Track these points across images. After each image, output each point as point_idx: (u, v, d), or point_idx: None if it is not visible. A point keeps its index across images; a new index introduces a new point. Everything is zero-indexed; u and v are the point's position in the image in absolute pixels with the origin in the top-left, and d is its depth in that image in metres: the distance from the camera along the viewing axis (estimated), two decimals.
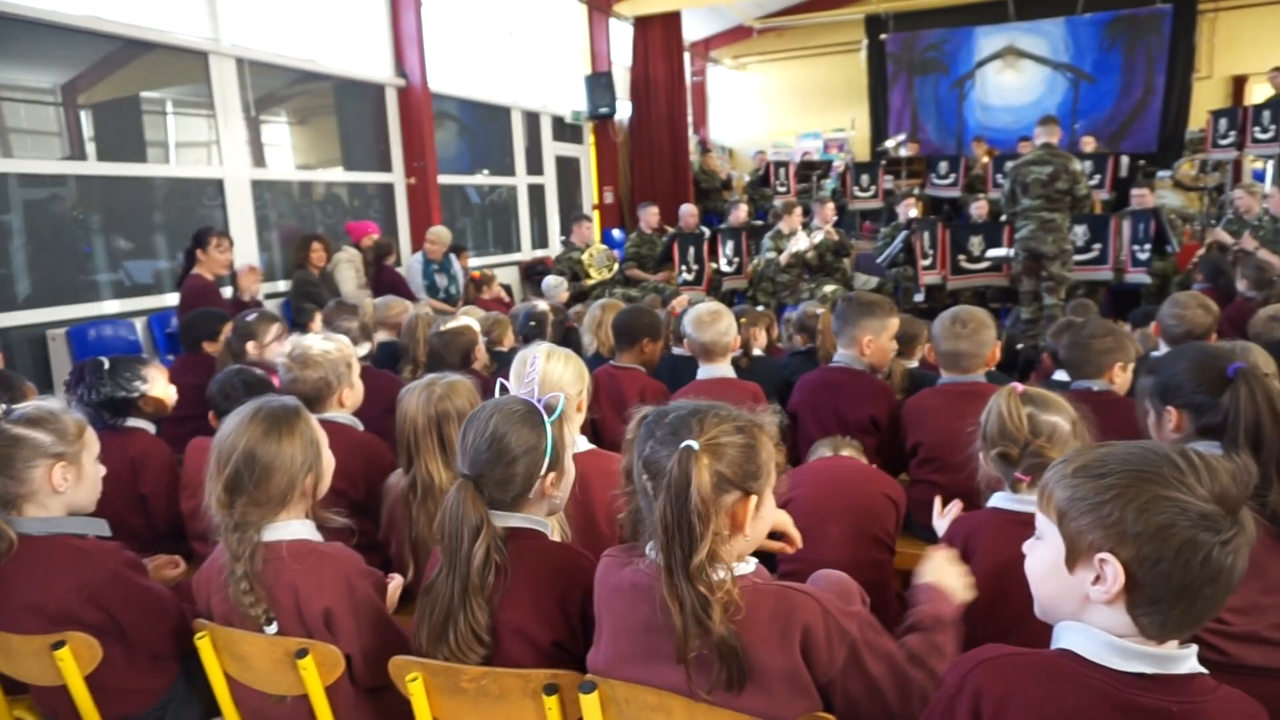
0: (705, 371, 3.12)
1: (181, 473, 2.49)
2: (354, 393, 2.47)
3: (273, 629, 1.64)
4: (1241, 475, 1.02)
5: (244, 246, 6.42)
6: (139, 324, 5.63)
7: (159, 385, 2.67)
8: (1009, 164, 6.84)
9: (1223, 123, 8.61)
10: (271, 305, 6.08)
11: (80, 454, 1.84)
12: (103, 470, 1.93)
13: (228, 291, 5.62)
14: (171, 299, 5.37)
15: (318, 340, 2.40)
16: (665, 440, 1.25)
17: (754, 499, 1.26)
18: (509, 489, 1.54)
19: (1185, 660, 1.04)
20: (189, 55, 6.13)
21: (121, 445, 2.51)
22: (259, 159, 6.89)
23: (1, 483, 1.74)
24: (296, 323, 5.04)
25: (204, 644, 1.71)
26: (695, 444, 1.21)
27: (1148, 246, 6.89)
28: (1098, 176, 8.38)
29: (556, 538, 1.75)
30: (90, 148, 5.70)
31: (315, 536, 1.73)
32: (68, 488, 1.81)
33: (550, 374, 2.09)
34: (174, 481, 2.53)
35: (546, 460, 1.56)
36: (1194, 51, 10.92)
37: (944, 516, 2.02)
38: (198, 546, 2.37)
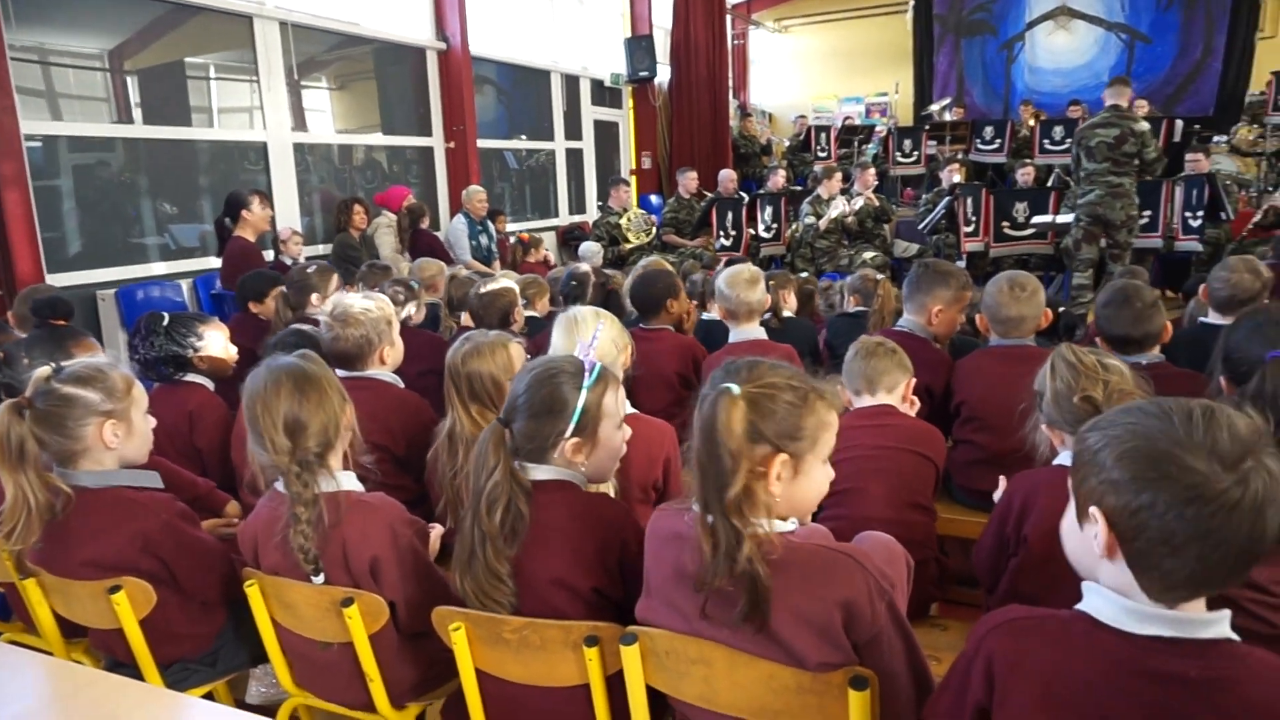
0: (737, 334, 3.12)
1: (236, 426, 2.54)
2: (394, 350, 2.50)
3: (319, 579, 1.67)
4: (1247, 431, 0.96)
5: (286, 210, 6.50)
6: (185, 285, 5.74)
7: (217, 344, 2.72)
8: (1060, 127, 6.65)
9: None
10: None
11: (129, 410, 1.88)
12: (153, 423, 1.98)
13: (269, 254, 5.71)
14: (215, 262, 5.47)
15: (358, 299, 2.43)
16: (714, 383, 1.27)
17: (783, 458, 1.25)
18: (533, 441, 1.57)
19: (1212, 625, 1.00)
20: (234, 19, 6.18)
21: (179, 399, 2.58)
22: (300, 123, 6.94)
23: (56, 441, 1.79)
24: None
25: (253, 591, 1.76)
26: (735, 388, 1.23)
27: (1200, 213, 6.68)
28: (1152, 140, 8.12)
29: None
30: (136, 113, 5.79)
31: (358, 487, 1.76)
32: (119, 443, 1.85)
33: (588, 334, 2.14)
34: (228, 435, 2.58)
35: (572, 425, 1.56)
36: (1258, 9, 10.45)
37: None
38: (247, 497, 2.43)
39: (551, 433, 1.56)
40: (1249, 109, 9.79)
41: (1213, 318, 3.03)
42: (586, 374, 1.58)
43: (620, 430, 1.66)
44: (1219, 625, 1.01)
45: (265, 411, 1.66)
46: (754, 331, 3.13)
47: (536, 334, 3.42)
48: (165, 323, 2.62)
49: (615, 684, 1.47)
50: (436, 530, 2.01)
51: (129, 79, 5.78)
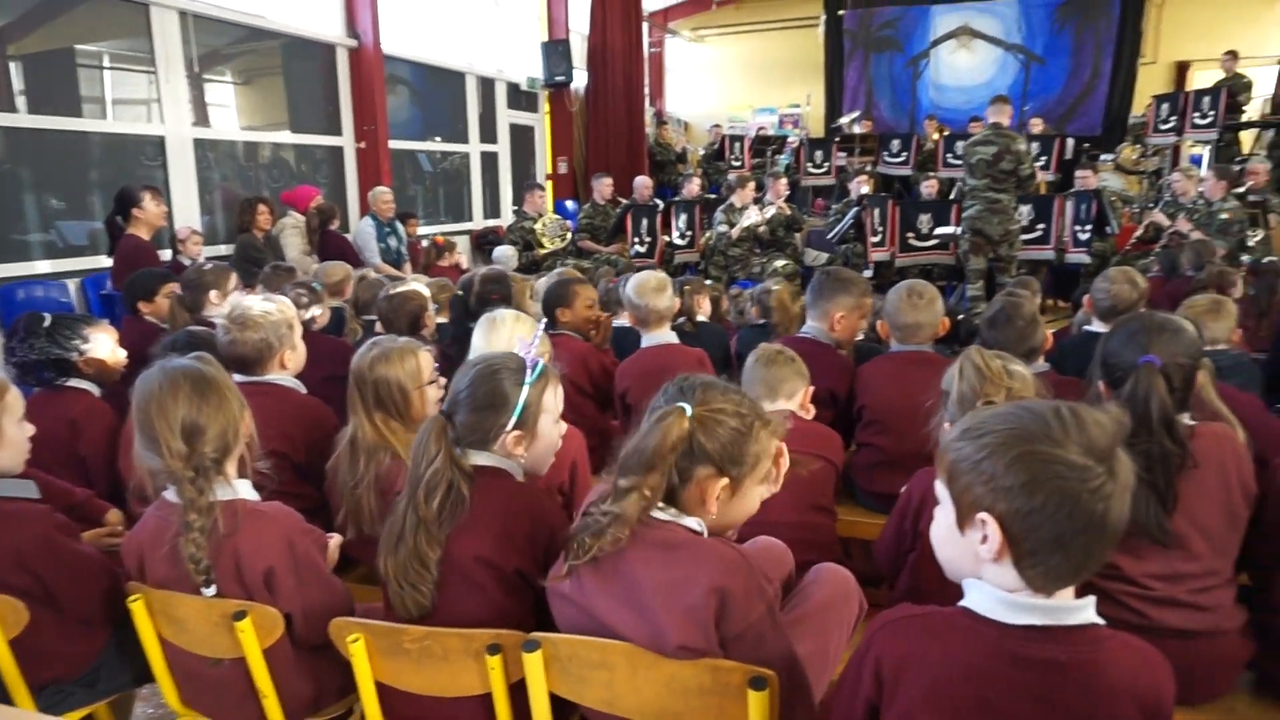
0: (648, 339, 3.13)
1: (124, 433, 2.40)
2: (296, 355, 2.42)
3: (210, 591, 1.61)
4: (1111, 426, 1.04)
5: (185, 208, 6.24)
6: (71, 285, 5.45)
7: (103, 347, 2.58)
8: (962, 142, 6.92)
9: (1164, 108, 8.82)
10: None
11: (0, 417, 1.78)
12: (30, 430, 1.87)
13: (165, 254, 5.46)
14: (106, 261, 5.20)
15: (258, 301, 2.35)
16: (671, 398, 1.33)
17: (724, 481, 1.31)
18: (475, 433, 1.60)
19: (1079, 611, 1.07)
20: (129, 6, 5.89)
21: (61, 405, 2.45)
22: (202, 117, 6.68)
23: None
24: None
25: (137, 607, 1.68)
26: (689, 408, 1.29)
27: (1089, 227, 7.05)
28: (1044, 158, 8.54)
29: None
30: (20, 101, 5.46)
31: (254, 495, 1.71)
32: None
33: (515, 337, 2.17)
34: (114, 444, 2.46)
35: (514, 418, 1.60)
36: (1140, 37, 11.11)
37: None
38: (136, 507, 2.32)
39: (493, 425, 1.60)
40: (1132, 130, 10.38)
41: (1096, 326, 3.20)
42: (529, 370, 1.63)
43: (557, 426, 1.71)
44: (1085, 611, 1.08)
45: (160, 414, 1.59)
46: (665, 336, 3.15)
47: (446, 339, 3.38)
48: (46, 324, 2.48)
49: (518, 692, 1.45)
50: (335, 540, 1.95)
51: (12, 64, 5.45)
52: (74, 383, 2.53)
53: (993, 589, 1.08)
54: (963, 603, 1.12)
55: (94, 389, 2.57)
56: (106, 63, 6.12)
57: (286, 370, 2.41)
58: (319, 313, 3.26)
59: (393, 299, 3.31)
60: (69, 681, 1.84)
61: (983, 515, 1.04)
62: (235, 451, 1.69)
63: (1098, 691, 1.05)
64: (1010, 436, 1.04)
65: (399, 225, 7.29)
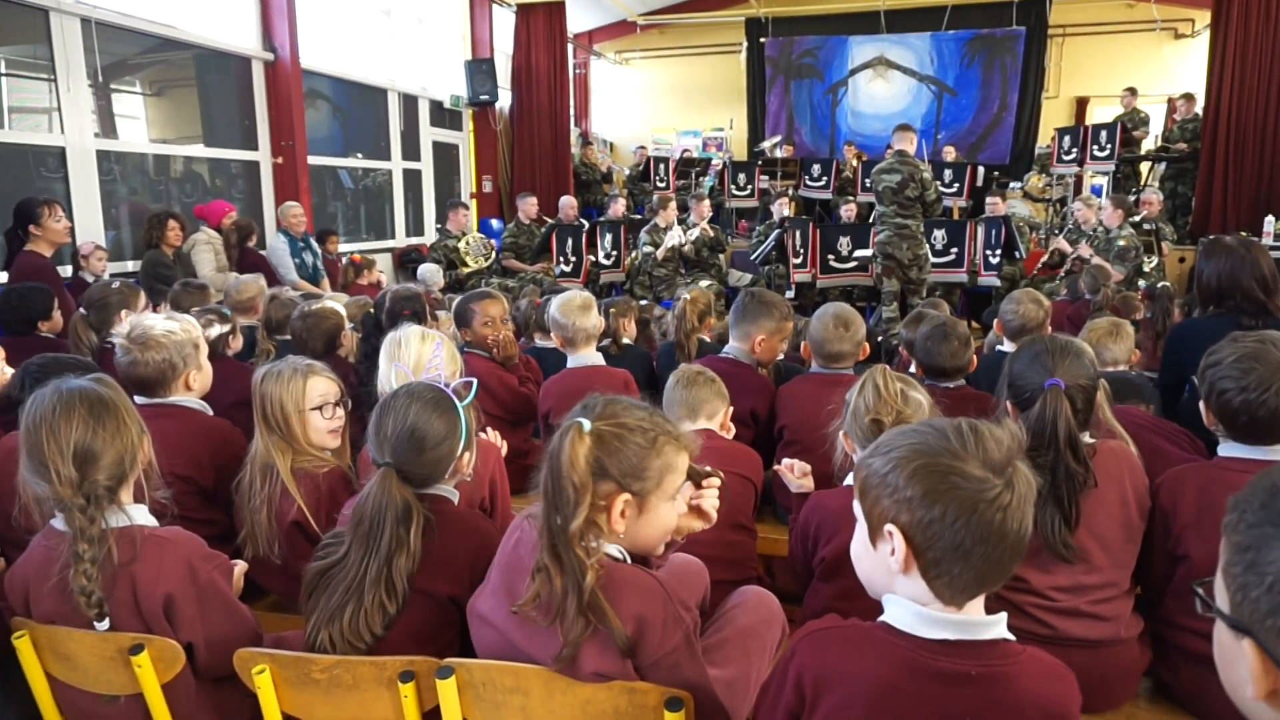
0: (574, 360, 3.12)
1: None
2: (202, 375, 2.33)
3: (104, 625, 1.52)
4: (1009, 440, 1.09)
5: (88, 222, 5.97)
6: None
7: None
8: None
9: (1066, 140, 9.27)
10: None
11: None
12: None
13: (66, 271, 5.21)
14: (2, 277, 4.93)
15: (160, 320, 2.25)
16: (572, 415, 1.31)
17: (626, 497, 1.28)
18: (428, 472, 1.60)
19: (990, 626, 1.11)
20: (26, 11, 5.63)
21: None
22: (109, 129, 6.41)
23: None
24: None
25: (23, 644, 1.58)
26: (586, 423, 1.27)
27: (999, 251, 7.34)
28: (956, 185, 8.86)
29: None
30: None
31: (151, 521, 1.63)
32: None
33: (424, 356, 2.18)
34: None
35: (462, 443, 1.62)
36: (1044, 72, 11.67)
37: (794, 473, 2.18)
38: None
39: (447, 459, 1.61)
40: (1038, 160, 10.87)
41: (1006, 345, 3.33)
42: (457, 397, 1.62)
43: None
44: (996, 627, 1.11)
45: (51, 438, 1.51)
46: (591, 358, 3.14)
47: (359, 356, 3.30)
48: None
49: None
50: (240, 566, 1.88)
51: None
52: None
53: (908, 603, 1.11)
54: (881, 618, 1.14)
55: None
56: (3, 69, 5.82)
57: (192, 392, 2.32)
58: (230, 338, 3.13)
59: (307, 318, 3.22)
60: None
61: (889, 527, 1.08)
62: (132, 478, 1.61)
63: (1006, 705, 1.07)
64: (912, 451, 1.08)
65: (312, 241, 7.12)
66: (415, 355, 2.22)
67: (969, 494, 1.04)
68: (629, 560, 1.33)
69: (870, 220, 7.99)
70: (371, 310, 3.20)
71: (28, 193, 5.28)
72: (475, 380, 1.67)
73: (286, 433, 2.05)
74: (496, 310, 3.12)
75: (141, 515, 1.61)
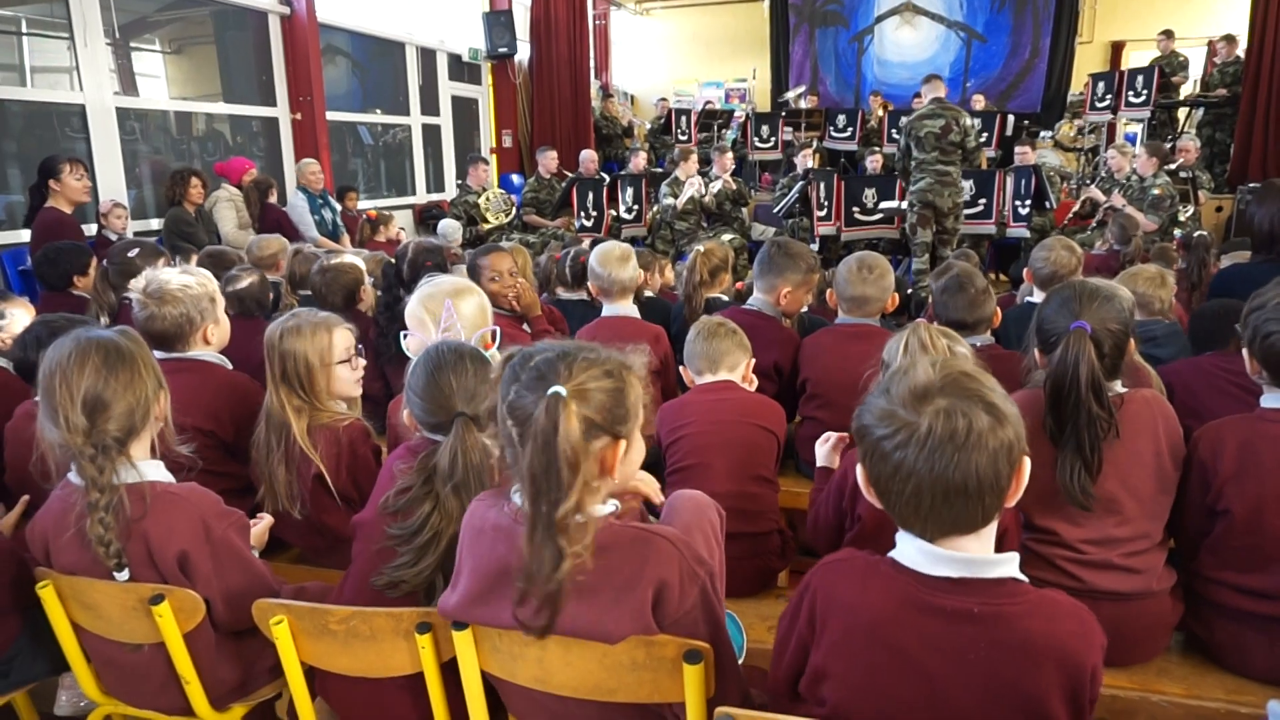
0: (610, 310, 3.10)
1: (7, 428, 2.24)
2: (220, 329, 2.32)
3: (124, 575, 1.53)
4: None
5: (110, 180, 5.98)
6: None
7: (20, 324, 2.46)
8: (904, 119, 6.96)
9: (1100, 86, 8.97)
10: None
11: None
12: None
13: (90, 229, 5.23)
14: (26, 235, 4.96)
15: (175, 274, 2.23)
16: (531, 385, 1.18)
17: (623, 443, 1.22)
18: (484, 423, 1.54)
19: (998, 565, 1.10)
20: None
21: None
22: (129, 87, 6.38)
23: None
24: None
25: (47, 593, 1.60)
26: (563, 390, 1.15)
27: (1028, 202, 7.16)
28: (985, 134, 8.63)
29: None
30: None
31: (166, 477, 1.62)
32: None
33: (461, 311, 2.10)
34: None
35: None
36: (1077, 16, 11.28)
37: (824, 444, 2.06)
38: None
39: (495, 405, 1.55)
40: (1070, 108, 10.56)
41: (1036, 296, 3.23)
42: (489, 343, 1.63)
43: None
44: (1005, 566, 1.11)
45: (64, 384, 1.50)
46: (626, 309, 3.11)
47: (380, 307, 3.27)
48: None
49: (450, 671, 1.41)
50: (265, 521, 1.89)
51: None
52: None
53: (914, 539, 1.12)
54: (891, 553, 1.15)
55: (9, 365, 2.44)
56: (24, 28, 5.80)
57: (210, 346, 2.31)
58: (252, 281, 3.12)
59: (326, 272, 3.21)
60: None
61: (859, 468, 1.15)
62: (144, 433, 1.60)
63: (1011, 644, 1.07)
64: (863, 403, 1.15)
65: (330, 198, 7.10)
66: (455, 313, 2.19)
67: (876, 432, 1.08)
68: (620, 513, 1.27)
69: (895, 171, 7.84)
70: (393, 261, 3.16)
71: (54, 152, 5.29)
72: (498, 329, 1.63)
73: (309, 388, 2.02)
74: (505, 264, 3.08)
75: (155, 471, 1.61)
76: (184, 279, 2.21)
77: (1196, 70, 9.90)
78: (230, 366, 2.36)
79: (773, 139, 9.78)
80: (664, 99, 12.51)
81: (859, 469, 1.13)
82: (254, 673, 1.71)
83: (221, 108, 7.40)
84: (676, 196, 7.45)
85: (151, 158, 6.69)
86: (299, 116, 7.70)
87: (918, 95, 10.42)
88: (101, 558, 1.50)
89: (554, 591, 1.16)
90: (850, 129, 9.71)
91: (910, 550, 1.12)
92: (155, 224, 6.38)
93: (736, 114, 11.22)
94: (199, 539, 1.56)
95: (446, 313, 2.12)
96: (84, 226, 5.11)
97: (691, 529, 1.49)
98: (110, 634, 1.63)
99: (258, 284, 3.14)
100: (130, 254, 3.29)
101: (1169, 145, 7.82)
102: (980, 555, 1.10)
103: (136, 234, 5.95)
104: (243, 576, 1.62)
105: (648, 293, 3.88)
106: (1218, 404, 2.16)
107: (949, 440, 1.03)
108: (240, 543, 1.63)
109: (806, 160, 8.29)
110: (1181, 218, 6.69)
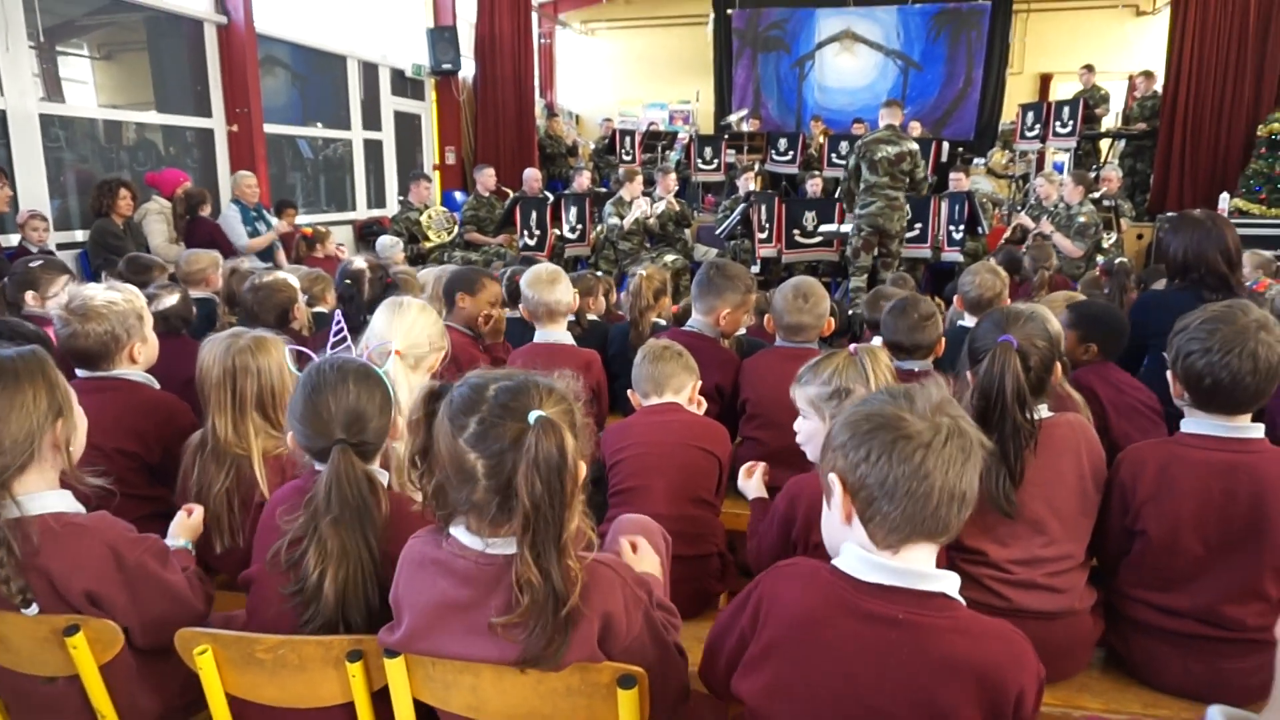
0: (542, 335, 3.07)
1: None
2: (147, 347, 2.25)
3: (33, 610, 1.46)
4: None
5: (33, 190, 5.76)
6: None
7: None
8: (846, 142, 7.12)
9: (1030, 116, 9.32)
10: (66, 257, 5.49)
11: None
12: None
13: (10, 239, 5.03)
14: None
15: (100, 290, 2.16)
16: (500, 415, 1.16)
17: (582, 464, 1.21)
18: (371, 448, 1.52)
19: (934, 579, 1.14)
20: None
21: None
22: (54, 92, 6.17)
23: None
24: (95, 278, 4.58)
25: None
26: (546, 414, 1.15)
27: (962, 227, 7.38)
28: (922, 160, 8.88)
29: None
30: None
31: (73, 507, 1.52)
32: None
33: (416, 326, 2.14)
34: None
35: (392, 414, 1.55)
36: (1009, 48, 11.72)
37: (749, 478, 2.12)
38: None
39: (384, 432, 1.53)
40: (1002, 136, 10.94)
41: (967, 320, 3.33)
42: (383, 360, 1.59)
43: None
44: (940, 581, 1.14)
45: None
46: (557, 334, 3.04)
47: (324, 329, 3.22)
48: None
49: (381, 700, 1.38)
50: (196, 512, 1.82)
51: None
52: None
53: (855, 548, 1.16)
54: (834, 560, 1.20)
55: None
56: None
57: (137, 364, 2.24)
58: (173, 302, 3.01)
59: (259, 290, 3.14)
60: None
61: (830, 475, 1.16)
62: (36, 463, 1.47)
63: (932, 656, 1.10)
64: (854, 409, 1.18)
65: (265, 211, 6.94)
66: (410, 322, 2.16)
67: (890, 431, 1.10)
68: None
69: (836, 195, 8.00)
70: (349, 282, 3.17)
71: None
72: (390, 345, 1.62)
73: (279, 407, 1.93)
74: (496, 292, 3.19)
75: (60, 502, 1.51)
76: (109, 295, 2.14)
77: (1118, 103, 10.35)
78: (157, 386, 2.29)
79: (716, 161, 9.91)
80: (609, 119, 12.58)
81: (834, 472, 1.15)
82: (177, 703, 1.64)
83: (154, 117, 7.20)
84: (622, 216, 7.49)
85: (78, 166, 6.48)
86: (235, 128, 7.54)
87: (857, 120, 10.75)
88: (4, 595, 1.42)
89: (564, 619, 1.16)
90: (791, 153, 9.89)
91: (849, 558, 1.17)
92: (81, 235, 6.16)
93: (680, 135, 11.35)
94: (109, 570, 1.48)
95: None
96: (3, 237, 4.92)
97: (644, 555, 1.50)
98: (20, 667, 1.55)
99: (180, 302, 3.05)
100: (30, 266, 3.17)
101: (1093, 175, 8.14)
102: (918, 567, 1.14)
103: (60, 246, 5.74)
104: (162, 602, 1.54)
105: (590, 316, 3.88)
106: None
107: (958, 450, 1.11)
108: (157, 568, 1.54)
109: (749, 183, 8.41)
110: (1105, 245, 6.96)
